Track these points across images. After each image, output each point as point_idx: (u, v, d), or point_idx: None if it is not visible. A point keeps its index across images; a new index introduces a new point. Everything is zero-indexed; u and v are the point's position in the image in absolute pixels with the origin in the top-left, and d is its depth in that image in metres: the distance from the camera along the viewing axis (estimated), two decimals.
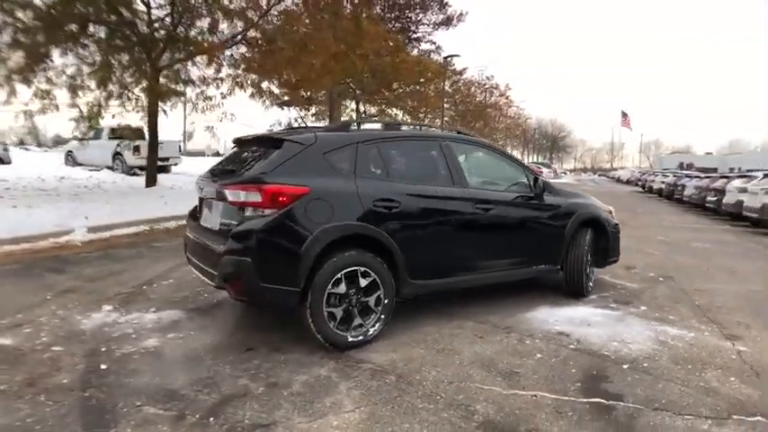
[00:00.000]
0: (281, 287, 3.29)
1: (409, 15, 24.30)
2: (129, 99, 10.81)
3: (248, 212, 3.35)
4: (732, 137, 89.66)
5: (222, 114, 11.96)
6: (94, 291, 4.85)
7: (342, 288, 3.46)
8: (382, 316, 3.67)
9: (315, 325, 3.39)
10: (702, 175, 20.41)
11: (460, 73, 27.17)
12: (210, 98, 11.56)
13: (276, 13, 10.53)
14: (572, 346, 3.75)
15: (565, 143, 77.21)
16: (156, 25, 10.39)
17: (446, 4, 24.47)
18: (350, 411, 2.73)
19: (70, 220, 7.23)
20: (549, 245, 4.75)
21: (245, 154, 3.95)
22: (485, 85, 31.68)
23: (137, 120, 11.95)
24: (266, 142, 3.83)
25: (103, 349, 3.48)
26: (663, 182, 24.26)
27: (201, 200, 4.11)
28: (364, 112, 19.81)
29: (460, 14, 24.81)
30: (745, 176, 13.50)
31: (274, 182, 3.30)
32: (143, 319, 4.10)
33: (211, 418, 2.62)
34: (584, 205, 5.08)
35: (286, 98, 19.77)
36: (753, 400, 2.99)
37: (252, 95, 11.61)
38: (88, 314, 4.18)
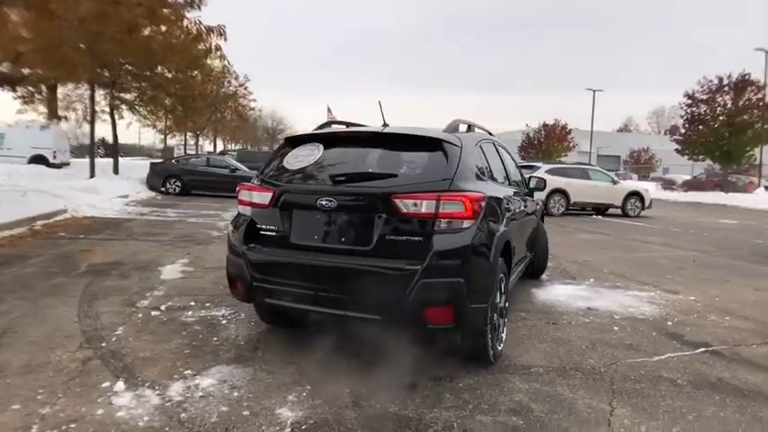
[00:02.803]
0: (481, 305, 3.00)
1: None
2: None
3: (439, 225, 2.90)
4: None
5: None
6: (42, 364, 3.10)
7: (497, 297, 3.34)
8: (506, 320, 3.67)
9: (492, 341, 3.18)
10: None
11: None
12: None
13: None
14: (617, 317, 4.57)
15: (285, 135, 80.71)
16: None
17: None
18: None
19: None
20: (534, 235, 5.44)
21: (360, 154, 3.27)
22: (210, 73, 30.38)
23: None
24: (394, 141, 3.32)
25: None
26: None
27: (287, 210, 3.17)
28: (117, 98, 16.48)
29: None
30: (526, 167, 17.10)
31: (469, 189, 3.01)
32: (206, 387, 2.96)
33: None
34: (538, 199, 5.96)
35: None
36: (764, 326, 4.39)
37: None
38: (103, 400, 2.77)
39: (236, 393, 2.88)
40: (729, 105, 26.05)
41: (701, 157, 28.85)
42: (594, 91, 43.04)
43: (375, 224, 2.96)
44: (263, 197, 3.28)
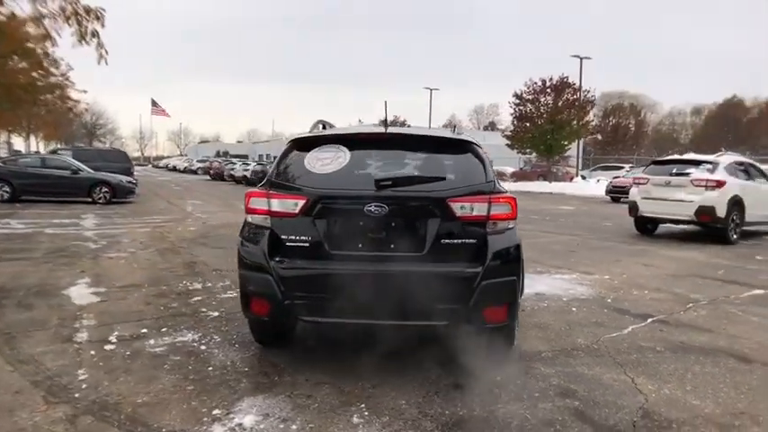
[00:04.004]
0: (520, 300, 3.13)
1: None
2: None
3: (491, 227, 3.03)
4: (250, 127, 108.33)
5: None
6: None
7: None
8: None
9: (517, 332, 3.36)
10: None
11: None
12: None
13: None
14: (565, 299, 5.12)
15: (105, 131, 72.03)
16: None
17: None
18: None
19: None
20: None
21: (393, 157, 3.22)
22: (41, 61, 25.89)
23: None
24: (422, 142, 3.35)
25: None
26: (247, 170, 27.54)
27: (322, 217, 2.96)
28: None
29: None
30: None
31: (505, 190, 3.18)
32: (254, 426, 2.66)
33: None
34: None
35: None
36: (676, 296, 5.25)
37: None
38: None
39: (293, 426, 2.60)
40: (551, 105, 30.32)
41: (527, 150, 33.02)
42: (431, 90, 46.45)
43: (428, 229, 2.92)
44: (289, 204, 2.97)
